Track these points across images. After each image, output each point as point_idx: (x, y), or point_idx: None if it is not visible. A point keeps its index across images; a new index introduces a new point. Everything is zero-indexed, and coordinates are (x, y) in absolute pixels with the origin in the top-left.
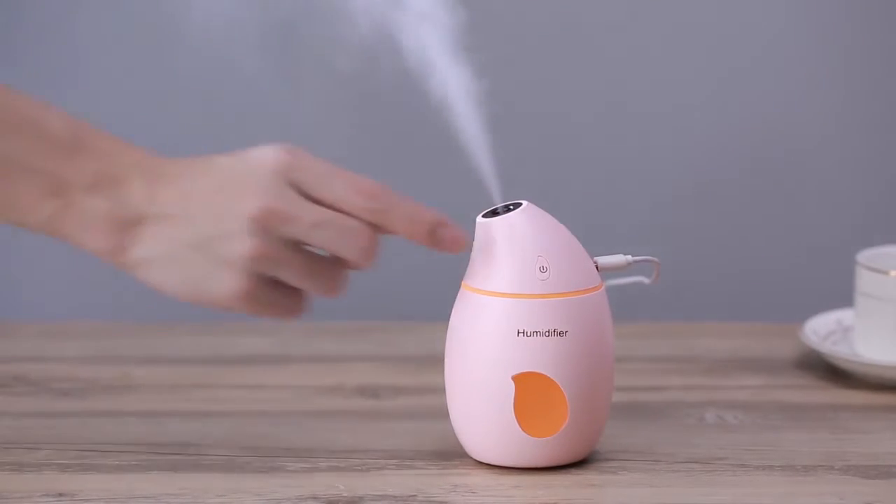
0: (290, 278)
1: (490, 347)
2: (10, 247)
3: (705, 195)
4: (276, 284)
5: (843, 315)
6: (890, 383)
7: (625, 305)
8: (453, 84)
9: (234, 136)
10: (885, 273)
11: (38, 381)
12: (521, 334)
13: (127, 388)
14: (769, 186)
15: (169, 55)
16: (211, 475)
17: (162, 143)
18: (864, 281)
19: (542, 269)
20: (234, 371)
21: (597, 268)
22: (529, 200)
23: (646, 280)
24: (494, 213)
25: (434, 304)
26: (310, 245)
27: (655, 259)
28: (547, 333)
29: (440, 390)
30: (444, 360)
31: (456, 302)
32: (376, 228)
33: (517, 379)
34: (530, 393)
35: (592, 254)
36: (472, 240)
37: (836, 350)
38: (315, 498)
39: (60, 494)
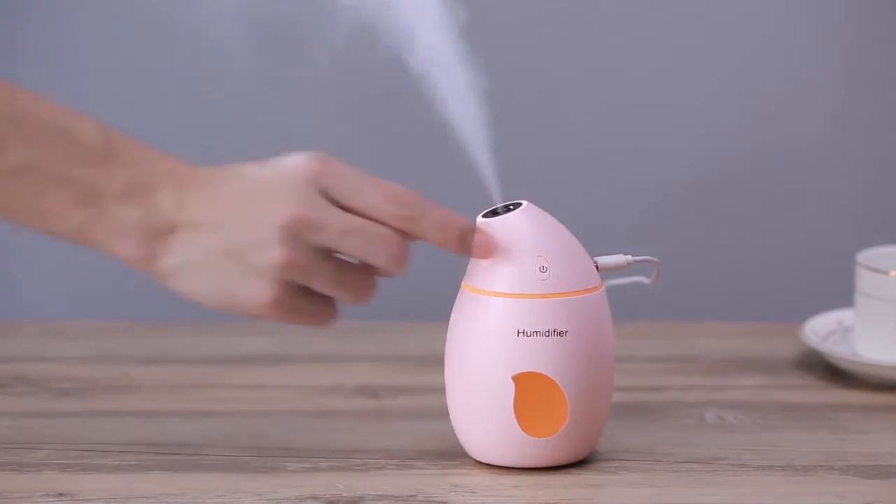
0: (320, 286)
1: (490, 347)
2: (10, 247)
3: (705, 195)
4: (306, 292)
5: (843, 315)
6: (890, 383)
7: (625, 305)
8: (453, 84)
9: (234, 136)
10: (885, 273)
11: (38, 381)
12: (521, 334)
13: (127, 388)
14: (769, 186)
15: (167, 55)
16: (211, 475)
17: (161, 142)
18: (864, 281)
19: (542, 269)
20: (234, 371)
21: (597, 268)
22: (529, 200)
23: (646, 280)
24: (494, 213)
25: (434, 304)
26: (340, 252)
27: (655, 259)
28: (547, 333)
29: (440, 390)
30: (444, 360)
31: (456, 302)
32: (406, 235)
33: (517, 379)
34: (530, 393)
35: (592, 254)
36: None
37: (836, 350)
38: (315, 498)
39: (60, 494)
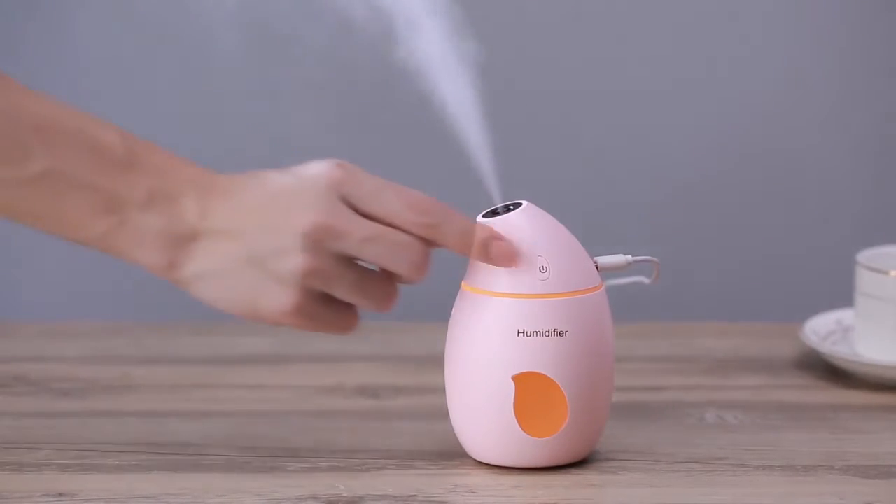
0: (341, 293)
1: (490, 347)
2: (10, 247)
3: (705, 195)
4: (328, 300)
5: (843, 315)
6: (890, 383)
7: (625, 305)
8: (454, 84)
9: (235, 137)
10: (885, 273)
11: (38, 381)
12: (521, 334)
13: (127, 388)
14: (769, 186)
15: (167, 57)
16: (211, 475)
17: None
18: (864, 281)
19: (542, 269)
20: (234, 371)
21: (597, 268)
22: (529, 200)
23: (646, 280)
24: (494, 213)
25: (434, 304)
26: (361, 260)
27: (655, 259)
28: (547, 333)
29: (440, 390)
30: (444, 360)
31: (456, 302)
32: (427, 243)
33: (517, 379)
34: (530, 393)
35: (592, 254)
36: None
37: (836, 350)
38: (315, 498)
39: (60, 494)
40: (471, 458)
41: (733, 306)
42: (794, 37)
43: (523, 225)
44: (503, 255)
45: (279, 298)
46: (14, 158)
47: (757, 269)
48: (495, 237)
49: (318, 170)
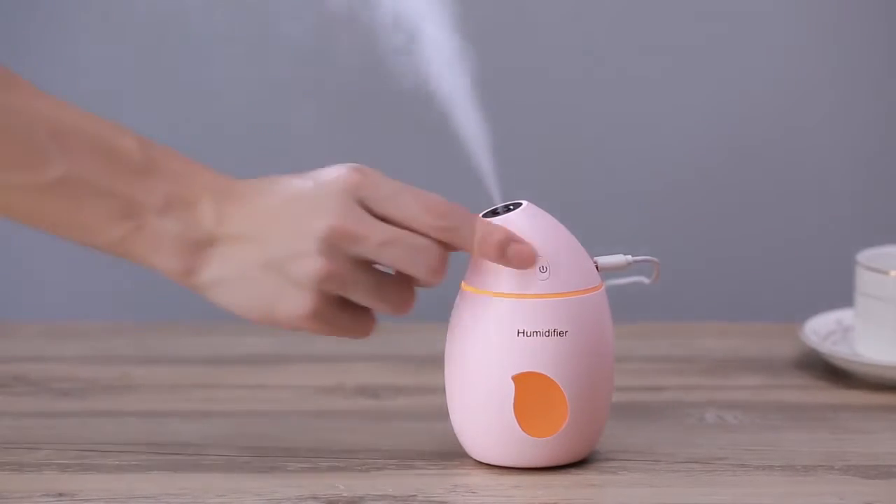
0: (358, 297)
1: (490, 347)
2: (10, 247)
3: (705, 195)
4: (345, 304)
5: (843, 315)
6: (890, 383)
7: (625, 305)
8: (454, 84)
9: (235, 137)
10: (885, 273)
11: (38, 381)
12: (521, 334)
13: (127, 388)
14: (769, 186)
15: (164, 52)
16: (211, 475)
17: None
18: (864, 281)
19: (542, 269)
20: (234, 371)
21: (597, 268)
22: (529, 200)
23: (646, 280)
24: (494, 213)
25: (434, 304)
26: (379, 263)
27: (655, 259)
28: (547, 333)
29: (440, 390)
30: (444, 360)
31: (456, 302)
32: (445, 246)
33: (517, 379)
34: (530, 393)
35: (592, 254)
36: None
37: (836, 350)
38: (315, 498)
39: (60, 494)
40: (471, 458)
41: (733, 306)
42: (793, 37)
43: (523, 225)
44: (521, 257)
45: (296, 303)
46: (32, 164)
47: (757, 269)
48: (513, 239)
49: (335, 174)
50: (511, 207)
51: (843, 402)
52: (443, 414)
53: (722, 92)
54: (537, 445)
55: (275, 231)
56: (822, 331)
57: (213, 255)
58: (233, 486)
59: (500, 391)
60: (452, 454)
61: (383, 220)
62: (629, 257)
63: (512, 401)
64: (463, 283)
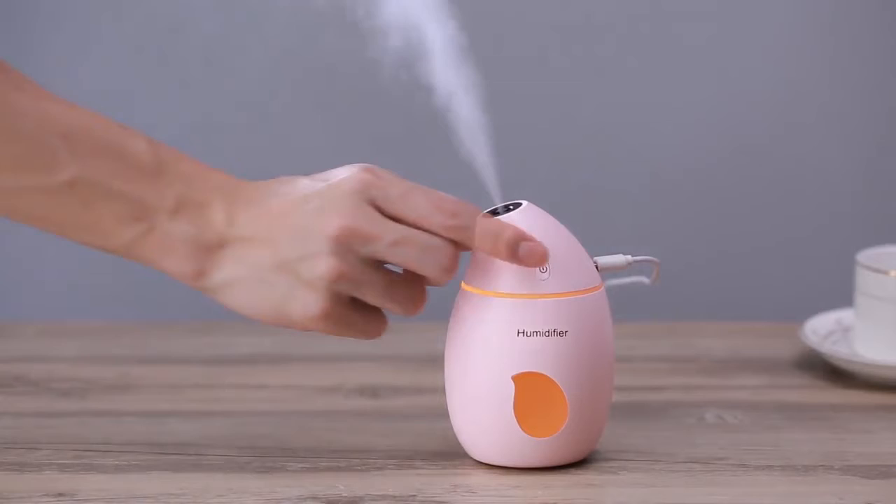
0: (370, 297)
1: (490, 347)
2: (10, 247)
3: (705, 195)
4: (356, 304)
5: (843, 315)
6: (890, 383)
7: (625, 305)
8: (453, 84)
9: (235, 137)
10: (885, 273)
11: (38, 381)
12: (521, 334)
13: (127, 388)
14: (769, 186)
15: (165, 53)
16: (211, 475)
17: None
18: (864, 281)
19: (542, 269)
20: (234, 371)
21: (597, 268)
22: (529, 200)
23: (646, 280)
24: (494, 213)
25: (434, 304)
26: (390, 263)
27: (655, 259)
28: (547, 333)
29: (440, 390)
30: (444, 360)
31: (456, 302)
32: (456, 245)
33: (517, 379)
34: (530, 393)
35: (592, 254)
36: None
37: (836, 350)
38: (315, 498)
39: (60, 494)
40: (471, 458)
41: (733, 306)
42: (793, 36)
43: (523, 225)
44: (532, 255)
45: (308, 304)
46: (42, 166)
47: (757, 268)
48: (523, 237)
49: (345, 174)
50: (511, 207)
51: (843, 402)
52: (443, 414)
53: (722, 92)
54: (537, 445)
55: (286, 232)
56: (822, 331)
57: (224, 257)
58: (233, 486)
59: (500, 391)
60: (452, 454)
61: (394, 219)
62: (629, 257)
63: (512, 401)
64: (463, 283)
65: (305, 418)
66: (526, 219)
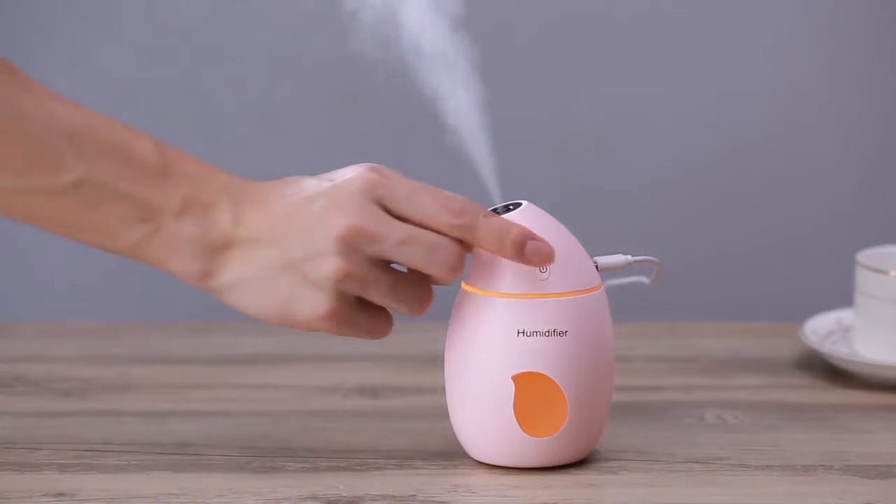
0: (376, 297)
1: (490, 347)
2: (10, 247)
3: (705, 195)
4: (362, 304)
5: (843, 315)
6: (890, 383)
7: (625, 305)
8: (453, 84)
9: (234, 137)
10: (885, 273)
11: (38, 381)
12: (521, 334)
13: (127, 388)
14: (769, 186)
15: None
16: (211, 475)
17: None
18: (864, 281)
19: (542, 269)
20: (234, 371)
21: (597, 268)
22: (529, 200)
23: (646, 280)
24: (494, 212)
25: (434, 304)
26: (396, 263)
27: (655, 259)
28: (547, 333)
29: (440, 390)
30: (444, 360)
31: (456, 302)
32: (462, 244)
33: (517, 379)
34: (530, 393)
35: (592, 254)
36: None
37: (836, 350)
38: (315, 498)
39: (60, 494)
40: (471, 458)
41: (733, 306)
42: (793, 36)
43: (523, 225)
44: (538, 254)
45: (314, 304)
46: (48, 168)
47: (757, 268)
48: (530, 237)
49: (351, 173)
50: (511, 207)
51: (843, 402)
52: (443, 414)
53: (722, 91)
54: (537, 445)
55: (292, 232)
56: (822, 331)
57: (230, 257)
58: (233, 486)
59: (500, 391)
60: (452, 454)
61: (400, 219)
62: (629, 257)
63: (512, 401)
64: (463, 283)
65: (305, 418)
66: (526, 219)
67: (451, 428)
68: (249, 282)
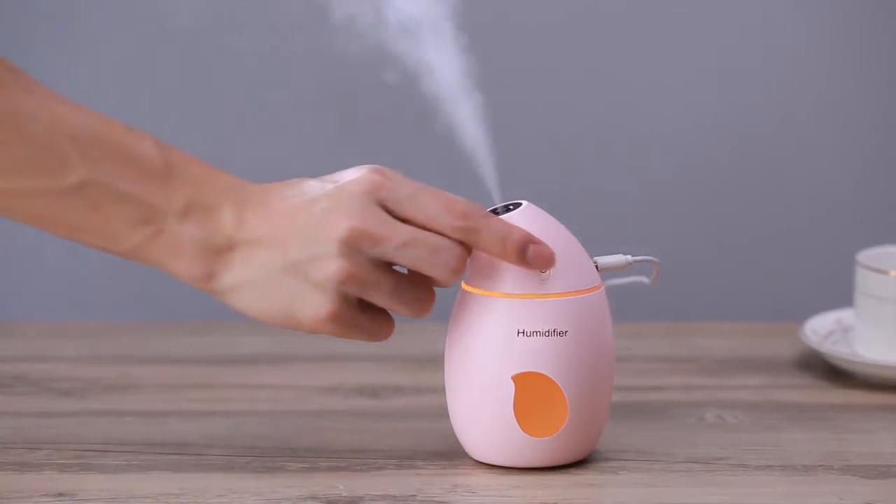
0: (378, 299)
1: (490, 347)
2: (10, 247)
3: (705, 195)
4: (364, 306)
5: (843, 315)
6: (890, 383)
7: (625, 305)
8: (453, 84)
9: (233, 136)
10: (885, 273)
11: (38, 381)
12: (521, 334)
13: (127, 388)
14: (769, 186)
15: (160, 47)
16: (211, 475)
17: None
18: (864, 281)
19: (542, 270)
20: (234, 371)
21: (597, 268)
22: (529, 200)
23: (646, 280)
24: (494, 213)
25: (434, 304)
26: (398, 264)
27: (655, 259)
28: (547, 333)
29: (440, 390)
30: (444, 360)
31: (456, 302)
32: (464, 246)
33: (517, 379)
34: (530, 393)
35: (592, 254)
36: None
37: (836, 350)
38: (315, 498)
39: (60, 494)
40: (471, 458)
41: (733, 306)
42: (793, 36)
43: (523, 225)
44: (540, 258)
45: (316, 306)
46: (51, 169)
47: (757, 268)
48: (532, 240)
49: (354, 175)
50: (511, 207)
51: (843, 402)
52: (443, 414)
53: (722, 92)
54: (537, 445)
55: (294, 234)
56: (822, 331)
57: (233, 259)
58: (233, 486)
59: (500, 391)
60: (452, 454)
61: (403, 220)
62: (629, 257)
63: (512, 401)
64: (463, 283)
65: (305, 418)
66: (526, 219)
67: (451, 428)
68: (251, 284)
